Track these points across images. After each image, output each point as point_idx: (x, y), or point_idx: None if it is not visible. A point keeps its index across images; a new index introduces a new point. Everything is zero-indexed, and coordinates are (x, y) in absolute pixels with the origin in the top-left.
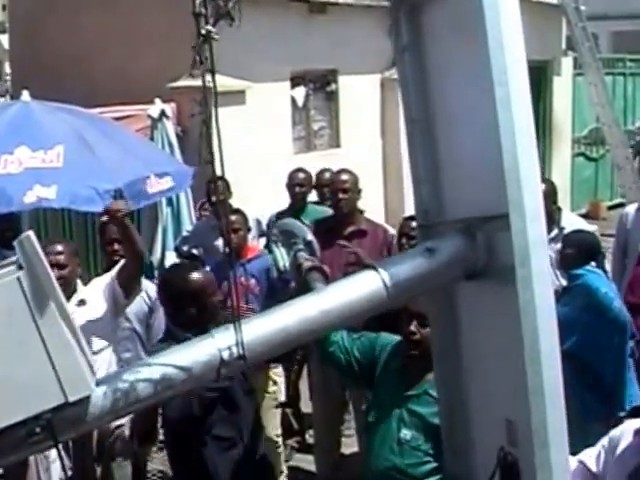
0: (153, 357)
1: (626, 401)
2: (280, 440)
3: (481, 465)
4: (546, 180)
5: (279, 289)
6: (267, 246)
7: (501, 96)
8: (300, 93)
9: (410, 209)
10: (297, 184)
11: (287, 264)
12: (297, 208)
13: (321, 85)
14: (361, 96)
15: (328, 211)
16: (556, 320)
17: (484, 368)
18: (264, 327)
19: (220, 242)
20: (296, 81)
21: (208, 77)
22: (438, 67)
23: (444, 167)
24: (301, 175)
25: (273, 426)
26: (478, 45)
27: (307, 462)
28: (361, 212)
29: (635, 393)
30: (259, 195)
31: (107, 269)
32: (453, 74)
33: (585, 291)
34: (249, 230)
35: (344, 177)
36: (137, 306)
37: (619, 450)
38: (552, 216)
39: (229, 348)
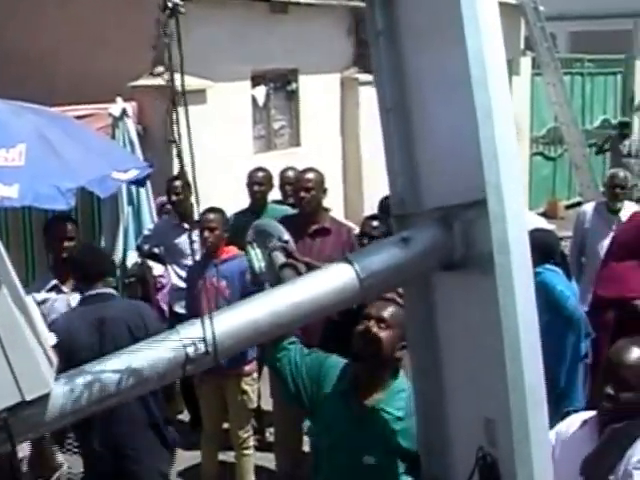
0: (116, 355)
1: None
2: (250, 444)
3: (459, 465)
4: None
5: (253, 291)
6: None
7: (478, 80)
8: (261, 92)
9: (370, 208)
10: (257, 183)
11: (263, 265)
12: (257, 207)
13: (282, 84)
14: (321, 95)
15: (289, 210)
16: (536, 311)
17: (462, 363)
18: (232, 321)
19: (182, 240)
20: (257, 80)
21: (174, 75)
22: (413, 53)
23: (420, 156)
24: (260, 174)
25: (243, 431)
26: (454, 30)
27: (267, 460)
28: (326, 210)
29: (578, 398)
30: (220, 194)
31: (54, 267)
32: (429, 60)
33: (541, 289)
34: (226, 231)
35: (308, 176)
36: None
37: (568, 442)
38: None
39: (195, 344)
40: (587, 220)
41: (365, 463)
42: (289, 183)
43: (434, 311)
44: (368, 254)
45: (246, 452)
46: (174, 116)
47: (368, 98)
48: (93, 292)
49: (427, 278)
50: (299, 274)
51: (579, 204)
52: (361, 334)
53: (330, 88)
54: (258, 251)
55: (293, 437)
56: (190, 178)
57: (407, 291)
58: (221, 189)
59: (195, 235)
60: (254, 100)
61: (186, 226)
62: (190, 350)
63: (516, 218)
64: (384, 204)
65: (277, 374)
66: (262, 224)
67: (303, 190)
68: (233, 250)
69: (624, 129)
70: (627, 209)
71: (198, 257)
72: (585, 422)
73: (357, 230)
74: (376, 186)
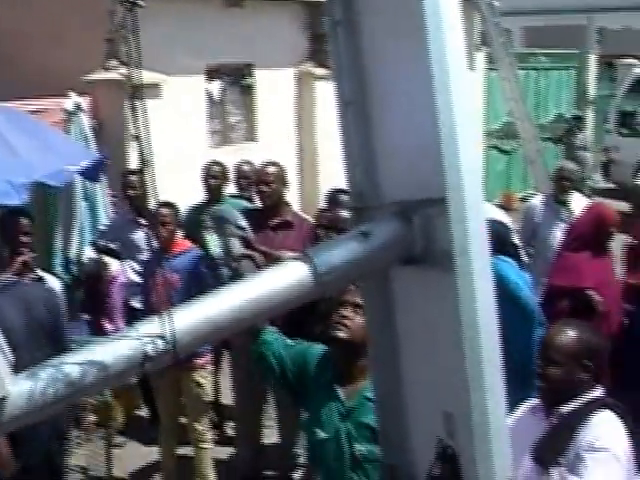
0: (72, 353)
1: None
2: (207, 437)
3: (418, 455)
4: None
5: (209, 276)
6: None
7: (439, 77)
8: (216, 87)
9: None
10: (212, 176)
11: (219, 251)
12: (213, 201)
13: (237, 79)
14: (277, 90)
15: (244, 203)
16: (495, 309)
17: (422, 357)
18: (191, 318)
19: (138, 235)
20: (212, 75)
21: (125, 70)
22: (373, 45)
23: (379, 150)
24: (215, 168)
25: (200, 424)
26: (415, 24)
27: (226, 454)
28: (287, 205)
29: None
30: (175, 189)
31: (10, 263)
32: (389, 53)
33: (494, 280)
34: (179, 226)
35: (268, 170)
36: None
37: (518, 429)
38: None
39: (153, 341)
40: (536, 214)
41: (357, 453)
42: (245, 177)
43: (392, 305)
44: (327, 248)
45: (204, 446)
46: (137, 110)
47: (324, 92)
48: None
49: (386, 272)
50: (257, 265)
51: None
52: (337, 320)
53: (286, 83)
54: (215, 237)
55: (253, 431)
56: (148, 172)
57: (365, 285)
58: (177, 183)
59: (150, 230)
60: (209, 95)
61: (142, 221)
62: (149, 347)
63: (476, 218)
64: (331, 197)
65: (265, 368)
66: (220, 210)
67: (264, 184)
68: (186, 244)
69: (578, 123)
70: (575, 201)
71: (158, 250)
72: (534, 408)
73: None
74: (332, 180)
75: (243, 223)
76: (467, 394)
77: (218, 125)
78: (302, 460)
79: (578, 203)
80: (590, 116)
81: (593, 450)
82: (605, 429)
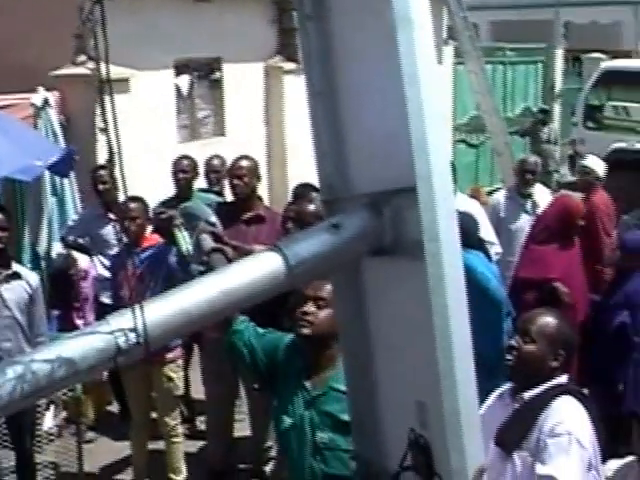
0: (44, 347)
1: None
2: (179, 431)
3: (391, 447)
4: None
5: (179, 273)
6: (155, 231)
7: (408, 69)
8: (184, 81)
9: None
10: (181, 170)
11: (190, 247)
12: (183, 195)
13: (205, 73)
14: (245, 84)
15: (214, 198)
16: (466, 297)
17: (393, 348)
18: (163, 310)
19: (107, 230)
20: (180, 69)
21: (93, 65)
22: (343, 38)
23: (349, 141)
24: (185, 162)
25: (171, 418)
26: (385, 18)
27: (198, 448)
28: (260, 199)
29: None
30: (145, 183)
31: None
32: (359, 46)
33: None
34: (148, 219)
35: (241, 163)
36: (18, 294)
37: (486, 415)
38: None
39: (126, 334)
40: (502, 209)
41: (319, 441)
42: (215, 171)
43: (364, 296)
44: (298, 241)
45: (175, 440)
46: (105, 104)
47: (292, 86)
48: None
49: (357, 264)
50: (228, 259)
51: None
52: (300, 317)
53: (254, 77)
54: (185, 233)
55: (225, 424)
56: (118, 167)
57: (336, 277)
58: (146, 178)
59: (119, 225)
60: (178, 89)
61: (111, 216)
62: (121, 341)
63: (446, 208)
64: (298, 191)
65: (237, 358)
66: (189, 207)
67: (237, 177)
68: (155, 238)
69: (544, 117)
70: (538, 193)
71: (129, 245)
72: (502, 394)
73: None
74: (301, 174)
75: (213, 219)
76: (439, 383)
77: (187, 120)
78: (274, 453)
79: (541, 196)
80: (557, 110)
81: (555, 435)
82: (566, 414)
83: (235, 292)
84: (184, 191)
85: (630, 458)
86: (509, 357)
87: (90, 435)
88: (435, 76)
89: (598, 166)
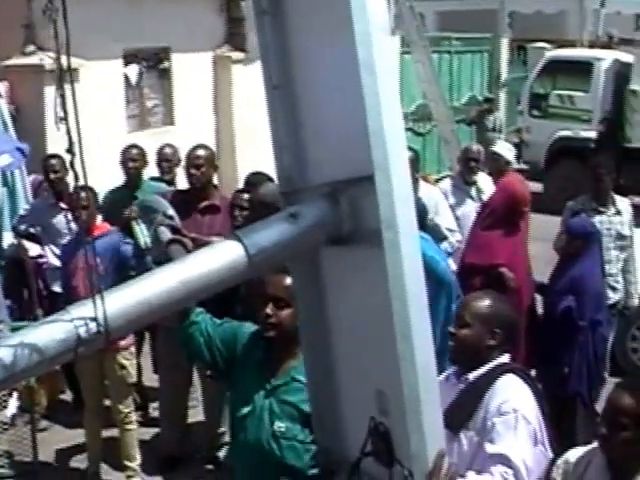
0: (4, 339)
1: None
2: (132, 418)
3: (351, 437)
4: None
5: (135, 265)
6: (105, 220)
7: (364, 58)
8: (133, 71)
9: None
10: (130, 159)
11: (148, 240)
12: (132, 184)
13: (154, 63)
14: (194, 74)
15: (164, 186)
16: (425, 284)
17: (353, 337)
18: (123, 300)
19: (59, 219)
20: (129, 59)
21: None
22: (299, 31)
23: (307, 133)
24: (134, 151)
25: (124, 405)
26: (340, 9)
27: (151, 435)
28: (216, 188)
29: None
30: (95, 173)
31: None
32: (315, 38)
33: None
34: (98, 209)
35: (197, 153)
36: None
37: None
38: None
39: (86, 324)
40: (448, 196)
41: (277, 430)
42: (167, 160)
43: (322, 285)
44: (257, 230)
45: (129, 427)
46: (63, 93)
47: (241, 76)
48: None
49: (315, 253)
50: (187, 250)
51: (439, 180)
52: (263, 320)
53: (202, 66)
54: (143, 227)
55: (179, 412)
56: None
57: (294, 267)
58: (96, 168)
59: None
60: (127, 79)
61: (63, 205)
62: (82, 330)
63: (403, 196)
64: (249, 180)
65: (190, 349)
66: (147, 200)
67: (194, 167)
68: (106, 227)
69: (490, 105)
70: (482, 181)
71: (79, 234)
72: (447, 376)
73: None
74: (250, 162)
75: (171, 212)
76: (398, 370)
77: (136, 109)
78: (227, 438)
79: (485, 183)
80: (502, 98)
81: (502, 414)
82: (511, 392)
83: (195, 282)
84: (133, 180)
85: (593, 445)
86: (450, 343)
87: (44, 424)
88: (390, 66)
89: (507, 151)
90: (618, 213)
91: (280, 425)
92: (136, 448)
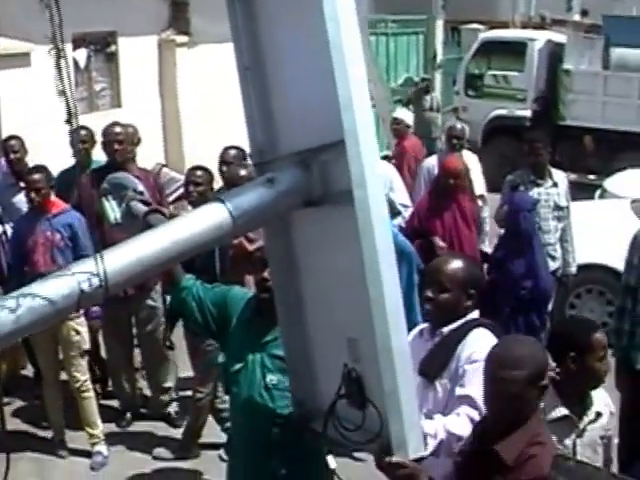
0: (11, 295)
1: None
2: (89, 386)
3: (323, 388)
4: None
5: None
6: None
7: (333, 32)
8: (82, 55)
9: (189, 162)
10: (80, 141)
11: (118, 216)
12: (82, 163)
13: (102, 47)
14: (140, 57)
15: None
16: (392, 239)
17: (323, 292)
18: (121, 258)
19: (18, 199)
20: (78, 43)
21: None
22: (268, 14)
23: (277, 109)
24: (82, 132)
25: (81, 373)
26: None
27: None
28: (133, 161)
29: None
30: (46, 154)
31: None
32: (283, 20)
33: None
34: (52, 187)
35: (116, 130)
36: None
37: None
38: None
39: (89, 279)
40: (433, 173)
41: (269, 382)
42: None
43: (292, 246)
44: (238, 195)
45: (87, 395)
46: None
47: (185, 59)
48: None
49: (286, 216)
50: (166, 218)
51: (386, 157)
52: (259, 283)
53: (148, 50)
54: (113, 202)
55: (128, 377)
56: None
57: (267, 230)
58: (47, 149)
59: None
60: (76, 63)
61: (22, 185)
62: (85, 285)
63: (371, 158)
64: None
65: (185, 313)
66: (115, 177)
67: (116, 143)
68: (62, 204)
69: (426, 85)
70: (466, 158)
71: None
72: (421, 331)
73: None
74: (195, 142)
75: (140, 187)
76: (370, 317)
77: (84, 92)
78: (174, 395)
79: (469, 159)
80: (438, 79)
81: (472, 362)
82: (481, 343)
83: (185, 242)
84: (83, 160)
85: (564, 412)
86: (427, 306)
87: (5, 399)
88: (357, 39)
89: (407, 117)
90: (555, 185)
91: (272, 377)
92: (97, 415)
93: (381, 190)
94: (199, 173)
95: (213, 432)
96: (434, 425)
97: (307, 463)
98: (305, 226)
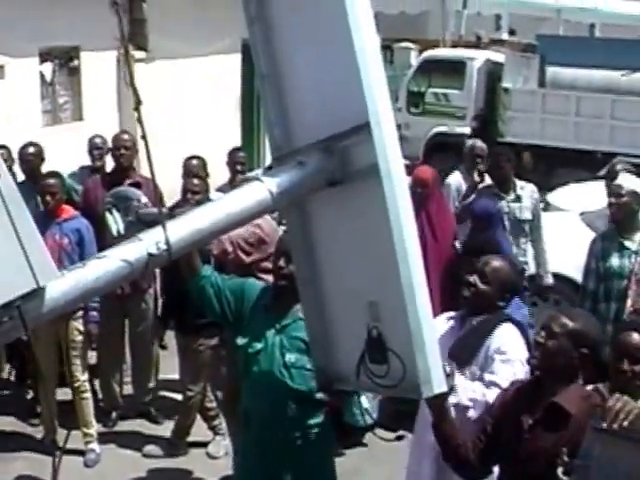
0: (93, 257)
1: None
2: (87, 386)
3: (342, 354)
4: None
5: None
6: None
7: (355, 25)
8: (48, 69)
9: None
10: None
11: (121, 228)
12: (31, 180)
13: (65, 61)
14: (100, 72)
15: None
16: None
17: (342, 264)
18: (183, 227)
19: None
20: (44, 57)
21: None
22: (284, 31)
23: (292, 110)
24: (30, 149)
25: (81, 373)
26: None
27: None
28: (134, 169)
29: None
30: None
31: None
32: (299, 36)
33: None
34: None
35: (124, 137)
36: None
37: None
38: None
39: (156, 244)
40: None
41: (287, 361)
42: (97, 148)
43: (312, 224)
44: (274, 175)
45: (85, 395)
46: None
47: (143, 74)
48: None
49: (308, 198)
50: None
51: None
52: (277, 271)
53: (108, 65)
54: (117, 215)
55: (116, 380)
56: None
57: (289, 213)
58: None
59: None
60: (42, 76)
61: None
62: (152, 249)
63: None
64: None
65: (202, 301)
66: (120, 190)
67: (123, 148)
68: (71, 210)
69: None
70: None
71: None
72: (450, 317)
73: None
74: (154, 154)
75: (144, 199)
76: (393, 277)
77: (49, 105)
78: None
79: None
80: None
81: (501, 353)
82: (508, 338)
83: (235, 215)
84: (30, 176)
85: None
86: (465, 292)
87: None
88: (372, 29)
89: None
90: (518, 199)
91: (290, 356)
92: (92, 415)
93: (401, 165)
94: (196, 182)
95: (200, 431)
96: (474, 386)
97: (320, 436)
98: (323, 206)
